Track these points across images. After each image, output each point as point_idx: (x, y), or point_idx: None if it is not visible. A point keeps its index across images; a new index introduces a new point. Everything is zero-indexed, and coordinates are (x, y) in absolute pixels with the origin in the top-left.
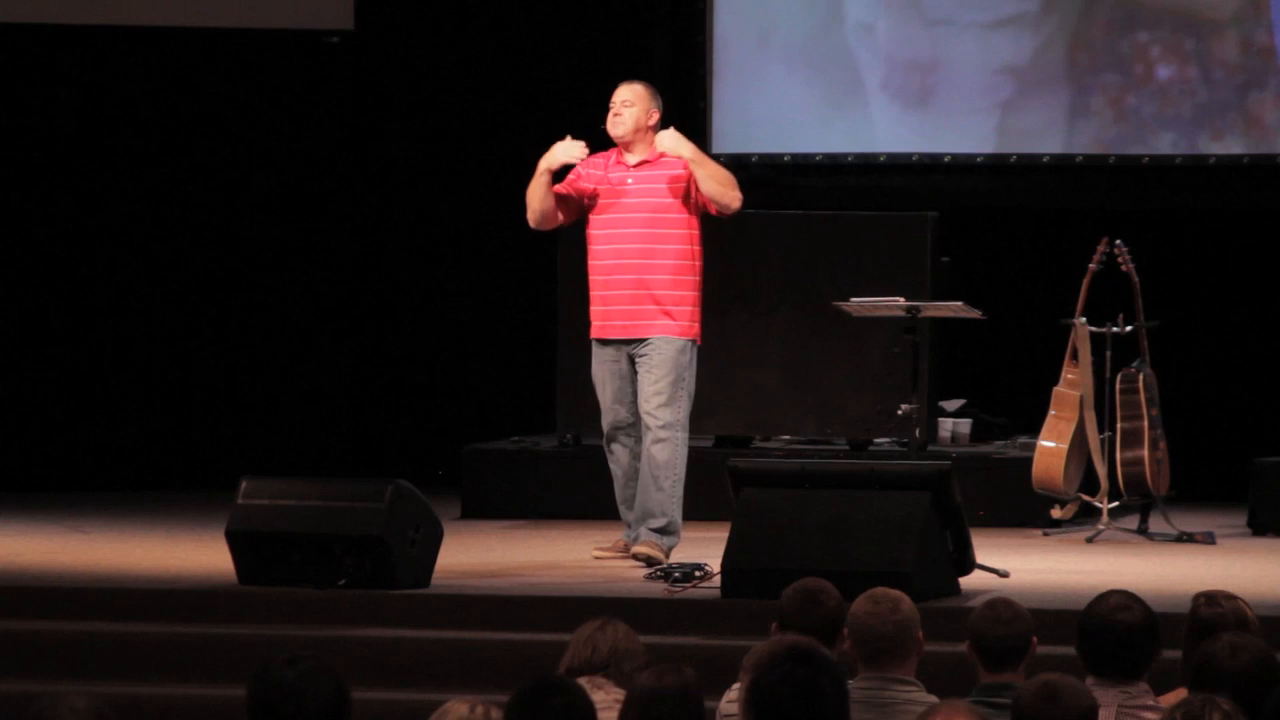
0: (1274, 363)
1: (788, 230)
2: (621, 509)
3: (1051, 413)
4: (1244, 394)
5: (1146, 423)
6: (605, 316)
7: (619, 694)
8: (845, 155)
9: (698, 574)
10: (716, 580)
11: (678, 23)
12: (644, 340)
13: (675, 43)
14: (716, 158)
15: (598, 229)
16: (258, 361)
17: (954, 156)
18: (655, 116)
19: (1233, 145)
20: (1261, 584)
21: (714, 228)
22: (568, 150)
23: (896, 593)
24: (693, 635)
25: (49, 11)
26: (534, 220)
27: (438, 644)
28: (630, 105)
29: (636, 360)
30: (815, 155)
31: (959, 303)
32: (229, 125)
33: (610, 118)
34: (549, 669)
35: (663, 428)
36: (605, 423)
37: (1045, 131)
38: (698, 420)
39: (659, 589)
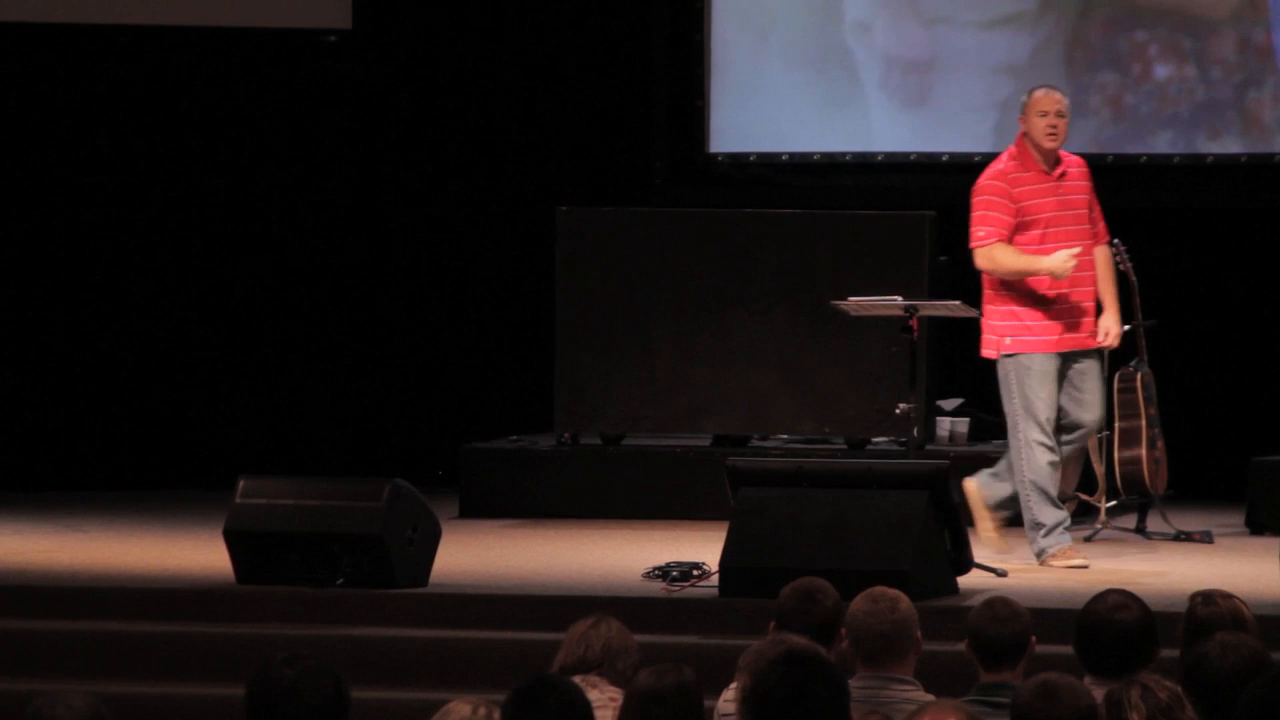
0: (1272, 362)
1: (785, 229)
2: (1059, 503)
3: None
4: (1242, 393)
5: (1144, 422)
6: (1057, 331)
7: (614, 693)
8: (843, 154)
9: (695, 573)
10: (714, 579)
11: (676, 22)
12: (1084, 353)
13: (673, 42)
14: (714, 156)
15: (1034, 244)
16: (257, 361)
17: (952, 155)
18: None
19: (1231, 144)
20: (1259, 583)
21: (713, 227)
22: (1066, 269)
23: (895, 592)
24: (690, 634)
25: (48, 11)
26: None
27: (436, 643)
28: (1064, 117)
29: (1078, 368)
30: (813, 154)
31: (957, 302)
32: (226, 124)
33: (1048, 129)
34: (546, 668)
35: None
36: (1049, 420)
37: None
38: (695, 419)
39: (657, 588)
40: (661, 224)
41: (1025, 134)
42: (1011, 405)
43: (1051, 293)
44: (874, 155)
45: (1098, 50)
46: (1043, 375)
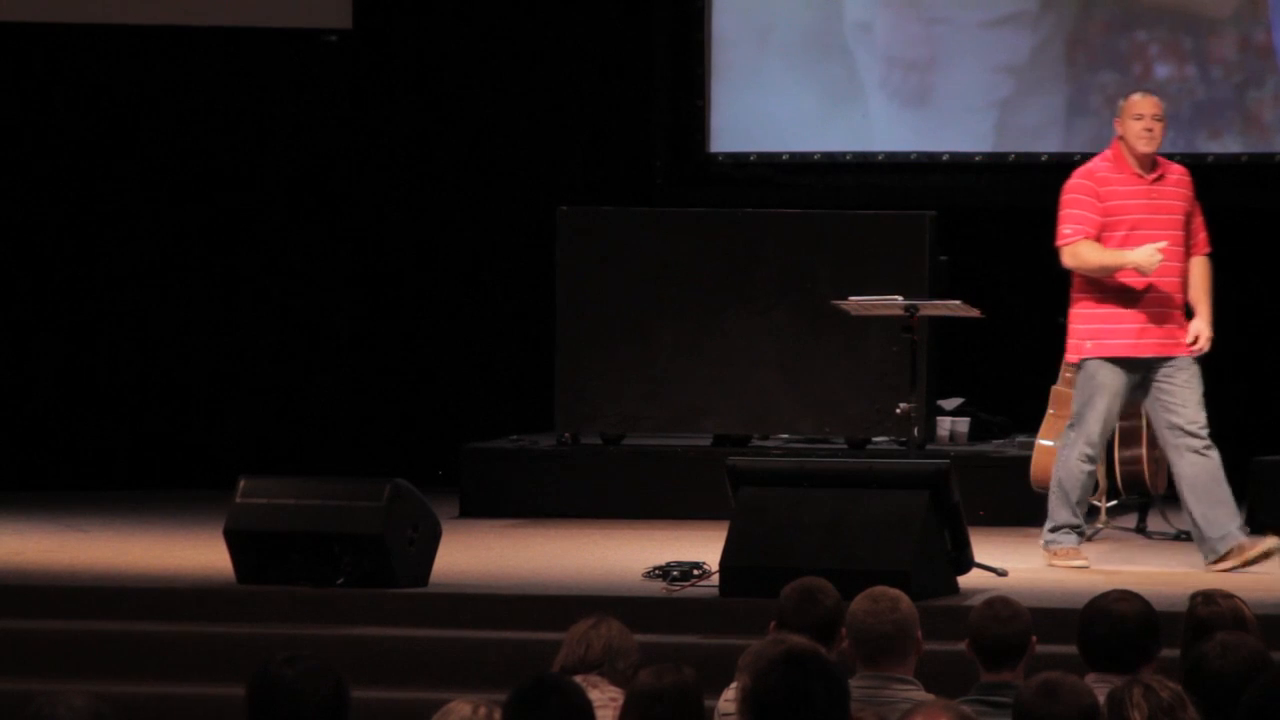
0: (1272, 362)
1: (786, 229)
2: (1078, 510)
3: (1050, 411)
4: (1242, 393)
5: (1145, 421)
6: (1139, 334)
7: (614, 692)
8: (843, 154)
9: (696, 573)
10: (715, 579)
11: (677, 21)
12: (1171, 359)
13: (674, 41)
14: (714, 156)
15: (1118, 244)
16: (257, 360)
17: (952, 155)
18: None
19: (1231, 144)
20: (1260, 583)
21: (713, 227)
22: (1152, 262)
23: (895, 592)
24: (691, 634)
25: (48, 10)
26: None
27: (436, 643)
28: (1160, 120)
29: (1164, 371)
30: (813, 154)
31: (957, 301)
32: (227, 124)
33: (1144, 132)
34: (546, 668)
35: (1208, 437)
36: (1097, 432)
37: (1043, 130)
38: (695, 419)
39: (657, 588)
40: (661, 224)
41: (1121, 137)
42: (1076, 406)
43: (1138, 287)
44: (874, 155)
45: (1098, 50)
46: (1104, 388)
